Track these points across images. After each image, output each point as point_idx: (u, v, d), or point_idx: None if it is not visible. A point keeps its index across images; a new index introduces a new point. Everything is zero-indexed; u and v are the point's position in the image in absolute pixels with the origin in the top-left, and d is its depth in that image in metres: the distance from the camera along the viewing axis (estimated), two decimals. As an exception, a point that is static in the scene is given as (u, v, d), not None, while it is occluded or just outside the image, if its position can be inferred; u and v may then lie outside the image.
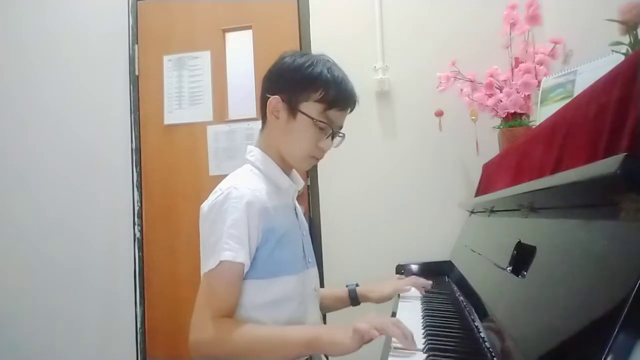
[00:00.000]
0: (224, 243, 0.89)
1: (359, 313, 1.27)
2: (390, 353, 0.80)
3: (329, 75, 1.00)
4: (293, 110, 1.00)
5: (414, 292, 1.37)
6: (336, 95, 1.00)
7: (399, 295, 1.35)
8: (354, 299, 1.27)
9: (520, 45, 1.74)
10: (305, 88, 1.00)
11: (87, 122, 2.43)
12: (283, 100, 1.01)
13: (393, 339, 0.82)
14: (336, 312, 1.30)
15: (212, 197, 0.96)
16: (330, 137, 1.04)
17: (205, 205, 0.96)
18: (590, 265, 0.55)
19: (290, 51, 1.08)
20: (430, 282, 1.37)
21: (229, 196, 0.92)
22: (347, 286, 1.29)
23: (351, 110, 1.07)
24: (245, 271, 0.93)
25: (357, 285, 1.29)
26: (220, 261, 0.88)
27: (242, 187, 0.94)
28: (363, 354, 0.85)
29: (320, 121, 1.00)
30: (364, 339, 0.80)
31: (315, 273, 1.12)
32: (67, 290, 2.36)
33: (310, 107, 1.00)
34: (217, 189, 0.97)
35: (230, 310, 0.91)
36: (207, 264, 0.90)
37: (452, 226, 1.93)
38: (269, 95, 1.03)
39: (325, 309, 1.23)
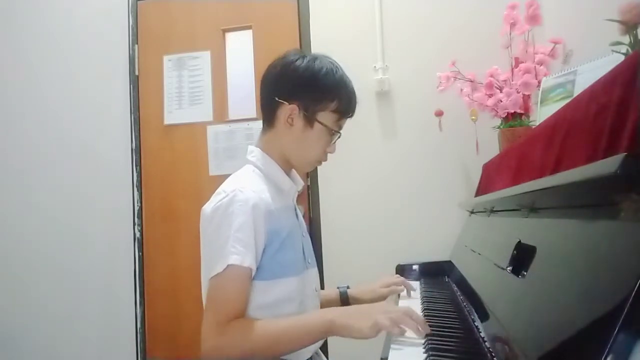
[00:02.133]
0: (230, 247, 0.88)
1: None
2: (392, 346, 0.81)
3: (343, 86, 1.03)
4: (311, 120, 1.01)
5: (411, 292, 1.37)
6: (348, 105, 1.04)
7: (398, 295, 1.35)
8: (345, 301, 1.28)
9: (520, 45, 1.74)
10: (322, 98, 1.02)
11: (87, 122, 2.43)
12: (299, 109, 1.01)
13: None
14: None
15: (215, 199, 0.95)
16: (335, 142, 1.07)
17: (208, 207, 0.95)
18: (590, 265, 0.55)
19: (293, 51, 1.07)
20: (414, 286, 1.40)
21: (235, 199, 0.91)
22: (338, 288, 1.29)
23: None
24: (252, 275, 0.92)
25: (348, 287, 1.30)
26: (228, 265, 0.87)
27: (248, 189, 0.94)
28: (365, 346, 0.86)
29: (335, 130, 1.04)
30: (381, 330, 0.83)
31: (316, 273, 1.12)
32: (67, 290, 2.36)
33: (327, 116, 1.02)
34: (220, 190, 0.96)
35: (241, 313, 0.90)
36: (214, 268, 0.89)
37: (452, 226, 1.93)
38: (280, 100, 1.02)
39: None
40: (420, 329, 0.85)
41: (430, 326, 0.89)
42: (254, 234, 0.91)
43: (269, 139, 1.07)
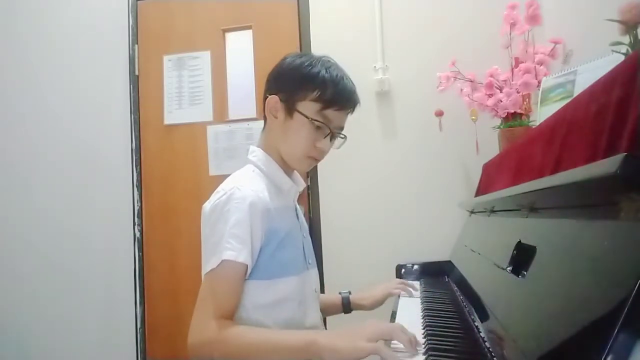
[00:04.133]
0: (225, 242, 0.88)
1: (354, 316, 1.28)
2: (392, 347, 0.80)
3: (326, 75, 1.00)
4: (290, 109, 1.00)
5: (413, 291, 1.37)
6: (333, 94, 1.00)
7: (399, 295, 1.36)
8: (347, 306, 1.28)
9: (520, 45, 1.74)
10: (302, 87, 1.00)
11: (87, 122, 2.43)
12: (281, 100, 1.01)
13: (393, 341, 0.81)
14: (336, 316, 1.31)
15: (214, 198, 0.95)
16: (328, 138, 1.03)
17: (207, 206, 0.96)
18: (590, 265, 0.55)
19: (294, 52, 1.08)
20: (416, 286, 1.39)
21: (232, 197, 0.92)
22: (340, 293, 1.29)
23: (352, 111, 1.07)
24: (248, 272, 0.92)
25: (349, 293, 1.29)
26: (222, 260, 0.88)
27: (245, 187, 0.94)
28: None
29: (317, 120, 0.99)
30: (370, 353, 0.78)
31: (316, 274, 1.12)
32: (67, 290, 2.36)
33: (307, 106, 1.00)
34: (219, 189, 0.97)
35: (231, 310, 0.90)
36: (208, 264, 0.90)
37: (452, 226, 1.93)
38: (268, 95, 1.03)
39: None
40: (412, 343, 0.78)
41: (430, 326, 0.89)
42: (251, 231, 0.91)
43: (265, 137, 1.08)
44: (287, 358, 0.85)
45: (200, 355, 0.87)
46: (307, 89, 0.99)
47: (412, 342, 0.79)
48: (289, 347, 0.84)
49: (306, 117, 0.99)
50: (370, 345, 0.76)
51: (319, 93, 0.99)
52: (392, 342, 0.80)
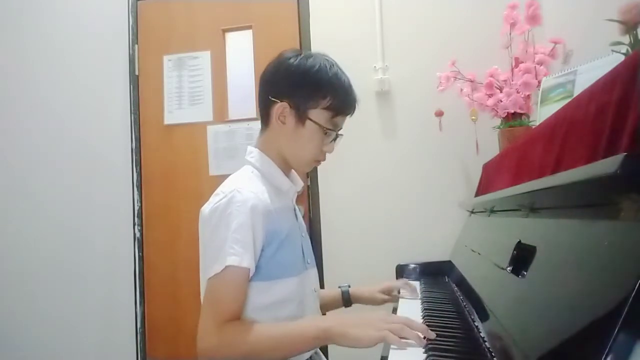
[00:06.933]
0: (229, 247, 0.88)
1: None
2: (392, 346, 0.81)
3: (336, 82, 1.01)
4: (301, 117, 1.00)
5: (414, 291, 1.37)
6: (343, 102, 1.02)
7: (398, 293, 1.35)
8: (347, 300, 1.28)
9: (520, 45, 1.74)
10: (313, 95, 1.00)
11: (87, 122, 2.43)
12: (290, 106, 1.00)
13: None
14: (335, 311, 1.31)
15: (213, 200, 0.95)
16: (333, 141, 1.05)
17: (206, 208, 0.95)
18: (590, 265, 0.55)
19: (291, 50, 1.06)
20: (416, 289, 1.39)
21: (233, 200, 0.91)
22: (339, 287, 1.29)
23: (351, 115, 1.08)
24: (250, 275, 0.92)
25: (349, 286, 1.30)
26: (226, 266, 0.87)
27: (246, 190, 0.93)
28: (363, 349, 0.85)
29: (329, 128, 1.01)
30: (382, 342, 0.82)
31: (315, 274, 1.12)
32: (67, 290, 2.36)
33: (319, 114, 1.00)
34: (218, 191, 0.96)
35: (237, 314, 0.90)
36: (211, 269, 0.89)
37: (452, 226, 1.93)
38: (273, 99, 1.01)
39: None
40: (422, 336, 0.81)
41: (430, 326, 0.89)
42: (252, 234, 0.91)
43: (266, 139, 1.06)
44: (302, 348, 0.88)
45: (215, 359, 0.86)
46: (318, 97, 1.00)
47: (420, 337, 0.81)
48: (304, 338, 0.86)
49: (320, 125, 1.00)
50: (379, 333, 0.80)
51: (330, 101, 1.00)
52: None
